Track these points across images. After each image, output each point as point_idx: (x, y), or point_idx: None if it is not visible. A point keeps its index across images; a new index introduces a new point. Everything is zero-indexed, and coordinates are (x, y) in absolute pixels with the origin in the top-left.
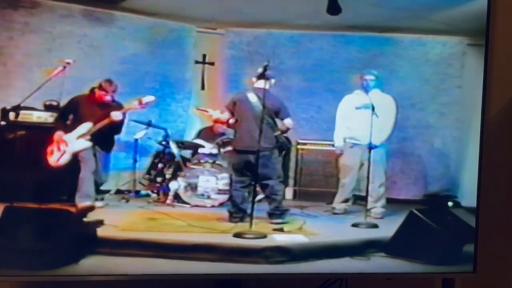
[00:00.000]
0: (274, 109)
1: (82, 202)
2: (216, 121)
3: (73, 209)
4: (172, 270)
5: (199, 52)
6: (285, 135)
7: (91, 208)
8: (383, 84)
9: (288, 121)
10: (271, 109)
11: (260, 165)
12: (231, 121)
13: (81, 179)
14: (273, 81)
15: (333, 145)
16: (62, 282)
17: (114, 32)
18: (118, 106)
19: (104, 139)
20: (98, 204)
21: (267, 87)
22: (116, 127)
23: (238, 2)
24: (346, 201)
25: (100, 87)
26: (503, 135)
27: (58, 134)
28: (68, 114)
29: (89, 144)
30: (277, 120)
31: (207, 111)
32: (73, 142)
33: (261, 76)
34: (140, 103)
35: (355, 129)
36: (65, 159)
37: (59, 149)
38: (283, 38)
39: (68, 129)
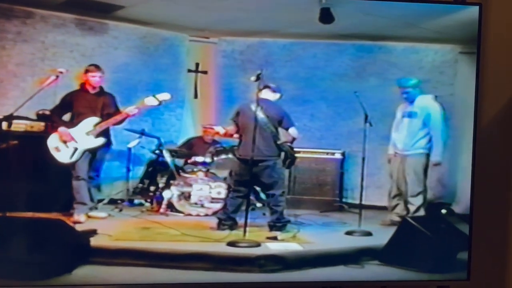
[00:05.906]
0: (277, 119)
1: (77, 212)
2: (225, 134)
3: (68, 220)
4: (166, 279)
5: (192, 60)
6: (289, 144)
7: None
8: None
9: (292, 130)
10: (274, 119)
11: (265, 174)
12: (235, 135)
13: (75, 186)
14: (278, 95)
15: (333, 154)
16: None
17: (107, 41)
18: (110, 96)
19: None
20: (101, 214)
21: (271, 98)
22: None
23: (230, 11)
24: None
25: (87, 71)
26: (496, 142)
27: (61, 130)
28: (64, 113)
29: (103, 140)
30: (280, 130)
31: (212, 128)
32: (83, 138)
33: (265, 87)
34: (157, 99)
35: (398, 138)
36: (78, 155)
37: (66, 144)
38: (276, 47)
39: (70, 125)
